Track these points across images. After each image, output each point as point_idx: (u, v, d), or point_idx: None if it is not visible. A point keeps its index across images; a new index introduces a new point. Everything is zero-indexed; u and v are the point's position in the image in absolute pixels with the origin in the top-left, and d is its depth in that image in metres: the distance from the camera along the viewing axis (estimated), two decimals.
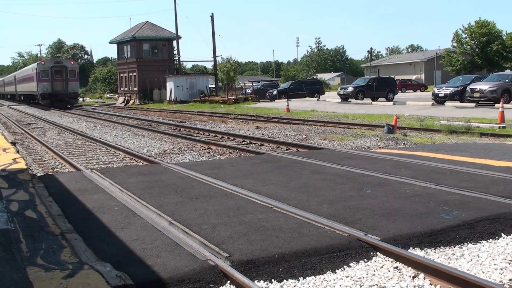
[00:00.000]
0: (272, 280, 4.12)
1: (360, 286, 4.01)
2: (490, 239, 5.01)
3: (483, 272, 4.23)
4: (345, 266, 4.37)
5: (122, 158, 12.29)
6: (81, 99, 69.28)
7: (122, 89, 61.26)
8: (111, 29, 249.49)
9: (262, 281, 4.09)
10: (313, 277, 4.20)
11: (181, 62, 58.78)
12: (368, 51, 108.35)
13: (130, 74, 58.21)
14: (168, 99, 49.51)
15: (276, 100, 41.42)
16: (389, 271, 4.26)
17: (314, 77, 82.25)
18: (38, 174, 9.53)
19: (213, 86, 54.62)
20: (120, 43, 60.44)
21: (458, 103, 27.52)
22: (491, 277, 4.13)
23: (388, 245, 4.59)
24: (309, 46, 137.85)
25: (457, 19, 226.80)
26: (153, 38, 56.65)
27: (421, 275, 4.15)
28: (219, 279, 4.03)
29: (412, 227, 5.09)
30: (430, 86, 59.42)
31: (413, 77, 72.65)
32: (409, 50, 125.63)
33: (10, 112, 38.01)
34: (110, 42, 62.64)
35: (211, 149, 13.22)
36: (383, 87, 37.54)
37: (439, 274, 4.03)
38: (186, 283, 3.94)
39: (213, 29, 52.25)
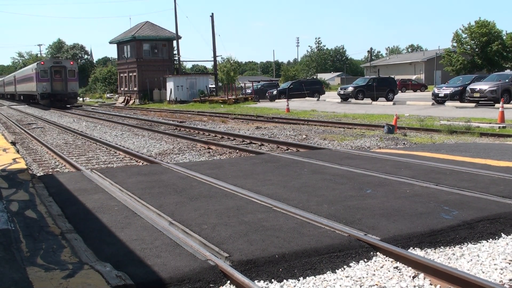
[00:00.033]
0: (272, 280, 4.12)
1: (360, 286, 4.01)
2: (490, 239, 5.01)
3: (483, 272, 4.23)
4: (345, 266, 4.37)
5: (122, 158, 12.29)
6: (81, 99, 69.39)
7: (122, 89, 61.26)
8: (111, 29, 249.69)
9: (262, 281, 4.09)
10: (313, 277, 4.20)
11: (181, 62, 58.80)
12: (368, 51, 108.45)
13: (130, 74, 58.22)
14: (168, 99, 49.51)
15: (276, 100, 41.42)
16: (389, 271, 4.26)
17: (314, 77, 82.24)
18: (38, 174, 9.53)
19: (213, 86, 54.62)
20: (120, 43, 60.44)
21: (458, 103, 27.52)
22: (491, 277, 4.13)
23: (388, 245, 4.59)
24: (309, 46, 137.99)
25: (457, 19, 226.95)
26: (153, 38, 56.66)
27: (421, 275, 4.15)
28: (219, 279, 4.03)
29: (412, 227, 5.09)
30: (430, 86, 59.43)
31: (413, 77, 72.65)
32: (409, 50, 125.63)
33: (10, 112, 38.02)
34: (110, 42, 62.65)
35: (211, 149, 13.22)
36: (383, 87, 37.54)
37: (439, 274, 4.03)
38: (186, 283, 3.94)
39: (213, 29, 52.31)
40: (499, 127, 16.17)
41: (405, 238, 4.83)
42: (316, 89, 44.94)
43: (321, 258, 4.42)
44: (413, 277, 4.13)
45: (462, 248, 4.78)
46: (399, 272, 4.23)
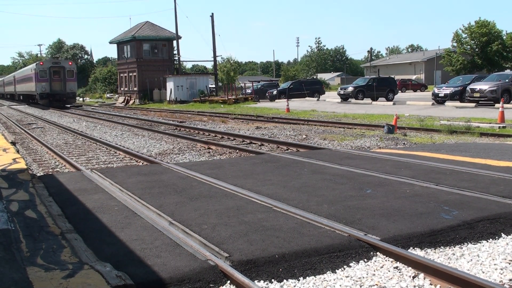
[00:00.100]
0: (272, 280, 4.12)
1: (360, 286, 4.01)
2: (490, 239, 5.01)
3: (483, 272, 4.23)
4: (345, 266, 4.37)
5: (122, 158, 12.29)
6: (81, 99, 69.53)
7: (122, 89, 61.27)
8: (111, 29, 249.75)
9: (262, 281, 4.09)
10: (313, 277, 4.20)
11: (181, 62, 58.79)
12: (368, 51, 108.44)
13: (130, 74, 58.22)
14: (168, 99, 49.52)
15: (276, 100, 41.42)
16: (389, 271, 4.26)
17: (314, 77, 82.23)
18: (38, 174, 9.53)
19: (213, 86, 54.62)
20: (120, 43, 60.45)
21: (458, 103, 27.52)
22: (491, 277, 4.13)
23: (388, 245, 4.59)
24: (309, 46, 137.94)
25: (457, 19, 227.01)
26: (153, 38, 56.66)
27: (421, 275, 4.15)
28: (219, 279, 4.03)
29: (412, 227, 5.09)
30: (430, 86, 59.43)
31: (413, 77, 72.66)
32: (409, 50, 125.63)
33: (10, 112, 38.02)
34: (110, 42, 62.65)
35: (211, 149, 13.22)
36: (383, 87, 37.54)
37: (439, 274, 4.03)
38: (186, 283, 3.94)
39: (213, 29, 52.32)
40: (499, 127, 16.17)
41: (405, 238, 4.83)
42: (316, 89, 44.94)
43: (321, 258, 4.42)
44: (413, 277, 4.13)
45: (462, 248, 4.78)
46: (399, 272, 4.23)
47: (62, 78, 45.28)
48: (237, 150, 12.45)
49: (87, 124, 24.40)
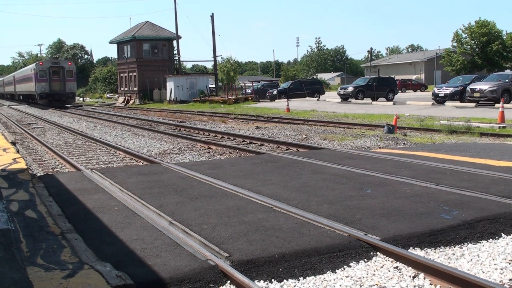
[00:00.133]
0: (272, 280, 4.12)
1: (360, 286, 4.01)
2: (490, 239, 5.01)
3: (483, 272, 4.23)
4: (345, 266, 4.37)
5: (122, 158, 12.29)
6: (81, 99, 69.59)
7: (122, 89, 61.28)
8: (111, 29, 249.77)
9: (262, 281, 4.09)
10: (313, 277, 4.20)
11: (181, 62, 58.79)
12: (368, 51, 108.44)
13: (130, 74, 58.22)
14: (168, 99, 49.52)
15: (276, 100, 41.42)
16: (389, 271, 4.27)
17: (314, 77, 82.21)
18: (38, 174, 9.53)
19: (213, 86, 54.63)
20: (120, 43, 60.46)
21: (458, 103, 27.52)
22: (491, 277, 4.13)
23: (388, 245, 4.59)
24: (309, 46, 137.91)
25: (457, 19, 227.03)
26: (153, 38, 56.68)
27: (421, 275, 4.15)
28: (219, 279, 4.03)
29: (412, 227, 5.09)
30: (430, 86, 59.43)
31: (413, 77, 72.66)
32: (409, 50, 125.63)
33: (10, 112, 38.03)
34: (110, 42, 62.67)
35: (211, 149, 13.22)
36: (383, 87, 37.55)
37: (439, 274, 4.03)
38: (186, 283, 3.94)
39: (213, 29, 52.32)
40: (499, 127, 16.17)
41: (405, 238, 4.83)
42: (316, 89, 44.94)
43: (321, 258, 4.42)
44: (413, 277, 4.13)
45: (462, 248, 4.78)
46: (399, 272, 4.23)
47: (62, 78, 45.55)
48: (237, 150, 12.45)
49: (87, 124, 24.40)
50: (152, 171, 8.85)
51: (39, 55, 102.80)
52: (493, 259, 4.49)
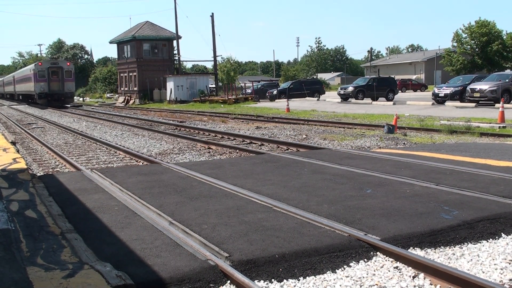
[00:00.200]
0: (272, 280, 4.12)
1: (360, 286, 4.01)
2: (490, 239, 5.01)
3: (483, 272, 4.23)
4: (345, 266, 4.37)
5: (122, 158, 12.30)
6: (81, 99, 69.63)
7: (122, 89, 61.28)
8: (111, 29, 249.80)
9: (262, 281, 4.09)
10: (313, 277, 4.20)
11: (181, 62, 58.80)
12: (368, 51, 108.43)
13: (130, 74, 58.22)
14: (168, 99, 49.53)
15: (276, 100, 41.43)
16: (389, 271, 4.27)
17: (314, 77, 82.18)
18: (38, 174, 9.53)
19: (213, 86, 54.63)
20: (120, 43, 60.46)
21: (458, 103, 27.52)
22: (491, 277, 4.13)
23: (388, 245, 4.59)
24: (309, 46, 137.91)
25: (457, 19, 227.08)
26: (153, 38, 56.69)
27: (421, 275, 4.15)
28: (219, 279, 4.03)
29: (412, 227, 5.09)
30: (430, 86, 59.42)
31: (413, 77, 72.65)
32: (409, 50, 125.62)
33: (10, 112, 38.04)
34: (110, 42, 62.67)
35: (211, 149, 13.22)
36: (383, 87, 37.54)
37: (439, 274, 4.03)
38: (186, 283, 3.94)
39: (213, 29, 52.32)
40: (499, 127, 16.17)
41: (405, 238, 4.83)
42: (316, 89, 44.95)
43: (321, 258, 4.42)
44: (413, 277, 4.13)
45: (462, 248, 4.78)
46: (399, 272, 4.23)
47: (60, 78, 46.02)
48: (237, 150, 12.45)
49: (87, 124, 24.40)
50: (152, 171, 8.85)
51: (39, 55, 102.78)
52: (493, 259, 4.49)
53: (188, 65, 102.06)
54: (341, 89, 38.63)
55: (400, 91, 48.39)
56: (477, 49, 56.39)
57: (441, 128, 16.02)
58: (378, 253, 4.58)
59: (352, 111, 26.41)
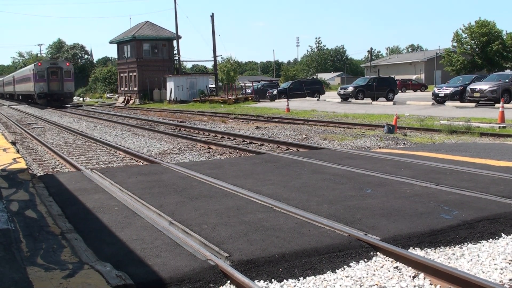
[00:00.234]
0: (272, 280, 4.12)
1: (360, 286, 4.01)
2: (490, 239, 5.01)
3: (483, 272, 4.23)
4: (345, 266, 4.37)
5: (122, 158, 12.30)
6: (81, 99, 69.64)
7: (122, 89, 61.28)
8: (111, 29, 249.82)
9: (262, 281, 4.09)
10: (313, 277, 4.20)
11: (181, 62, 58.80)
12: (368, 51, 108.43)
13: (130, 74, 58.22)
14: (168, 99, 49.52)
15: (276, 100, 41.43)
16: (389, 271, 4.27)
17: (314, 77, 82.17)
18: (38, 174, 9.53)
19: (213, 86, 54.63)
20: (120, 43, 60.46)
21: (458, 103, 27.52)
22: (491, 277, 4.13)
23: (388, 245, 4.59)
24: (309, 46, 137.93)
25: (457, 19, 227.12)
26: (153, 38, 56.69)
27: (421, 275, 4.15)
28: (219, 279, 4.03)
29: (412, 227, 5.09)
30: (430, 86, 59.42)
31: (413, 77, 72.64)
32: (409, 50, 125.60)
33: (10, 112, 38.04)
34: (110, 42, 62.67)
35: (211, 149, 13.22)
36: (383, 87, 37.55)
37: (439, 274, 4.03)
38: (186, 283, 3.94)
39: (213, 29, 52.32)
40: (499, 127, 16.17)
41: (405, 238, 4.83)
42: (316, 89, 44.94)
43: (321, 258, 4.42)
44: (413, 277, 4.13)
45: (462, 248, 4.78)
46: (399, 272, 4.23)
47: (60, 78, 46.36)
48: (237, 150, 12.45)
49: (87, 124, 24.41)
50: (152, 171, 8.85)
51: (39, 55, 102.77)
52: (493, 259, 4.49)
53: (188, 65, 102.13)
54: (341, 89, 38.63)
55: (400, 91, 48.39)
56: (477, 49, 56.39)
57: (441, 128, 16.02)
58: (378, 253, 4.58)
59: (352, 111, 26.41)
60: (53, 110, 39.25)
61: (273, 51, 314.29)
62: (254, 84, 51.70)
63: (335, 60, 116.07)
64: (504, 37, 57.30)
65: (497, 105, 22.70)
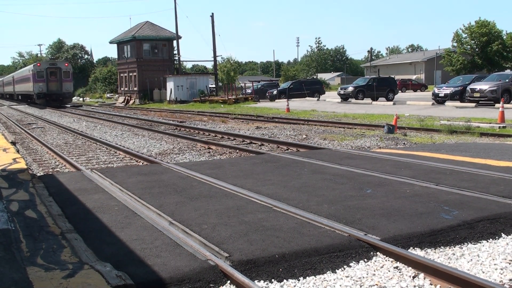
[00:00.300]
0: (272, 280, 4.12)
1: (360, 286, 4.01)
2: (490, 239, 5.01)
3: (483, 272, 4.23)
4: (345, 266, 4.37)
5: (122, 158, 12.30)
6: (81, 99, 69.67)
7: (122, 89, 61.28)
8: (111, 29, 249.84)
9: (262, 281, 4.09)
10: (313, 277, 4.20)
11: (181, 62, 58.80)
12: (368, 51, 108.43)
13: (130, 74, 58.23)
14: (168, 99, 49.53)
15: (276, 100, 41.43)
16: (389, 271, 4.27)
17: (314, 77, 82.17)
18: (38, 174, 9.53)
19: (213, 86, 54.63)
20: (120, 43, 60.47)
21: (458, 103, 27.52)
22: (491, 277, 4.13)
23: (388, 245, 4.59)
24: (309, 46, 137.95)
25: (457, 19, 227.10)
26: (153, 38, 56.70)
27: (421, 275, 4.15)
28: (219, 279, 4.03)
29: (412, 227, 5.09)
30: (430, 86, 59.42)
31: (413, 77, 72.64)
32: (409, 50, 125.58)
33: (10, 112, 38.04)
34: (110, 42, 62.68)
35: (211, 149, 13.22)
36: (383, 87, 37.55)
37: (439, 274, 4.03)
38: (186, 283, 3.94)
39: (213, 29, 52.31)
40: (499, 127, 16.17)
41: (405, 238, 4.83)
42: (316, 89, 44.94)
43: (321, 258, 4.42)
44: (413, 277, 4.13)
45: (462, 248, 4.78)
46: (399, 272, 4.23)
47: (59, 78, 46.79)
48: (237, 150, 12.45)
49: (87, 124, 24.41)
50: (152, 171, 8.85)
51: (39, 55, 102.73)
52: (493, 259, 4.49)
53: (188, 65, 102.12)
54: (341, 89, 38.63)
55: (400, 91, 48.39)
56: (477, 49, 56.38)
57: (441, 128, 16.02)
58: (378, 253, 4.58)
59: (352, 111, 26.41)
60: (52, 110, 39.26)
61: (273, 51, 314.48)
62: (254, 84, 51.69)
63: (335, 60, 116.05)
64: (504, 37, 57.28)
65: (497, 105, 22.70)
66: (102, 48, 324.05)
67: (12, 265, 4.08)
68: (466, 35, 57.06)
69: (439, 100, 29.26)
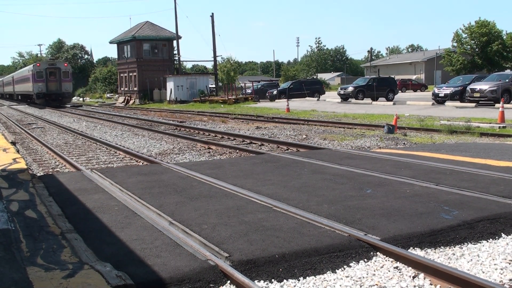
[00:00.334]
0: (272, 280, 4.12)
1: (360, 286, 4.01)
2: (490, 239, 5.01)
3: (483, 272, 4.23)
4: (345, 266, 4.37)
5: (122, 158, 12.30)
6: (81, 99, 69.71)
7: (122, 89, 61.28)
8: (111, 29, 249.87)
9: (262, 281, 4.09)
10: (313, 277, 4.20)
11: (181, 62, 58.79)
12: (368, 51, 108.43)
13: (130, 74, 58.23)
14: (168, 99, 49.53)
15: (276, 100, 41.43)
16: (389, 271, 4.27)
17: (314, 77, 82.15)
18: (38, 174, 9.53)
19: (213, 86, 54.63)
20: (120, 43, 60.47)
21: (458, 103, 27.52)
22: (491, 277, 4.13)
23: (388, 245, 4.59)
24: (309, 46, 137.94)
25: (457, 19, 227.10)
26: (153, 38, 56.71)
27: (421, 275, 4.15)
28: (219, 279, 4.03)
29: (412, 227, 5.09)
30: (430, 86, 59.41)
31: (413, 77, 72.63)
32: (409, 50, 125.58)
33: (10, 112, 38.04)
34: (110, 42, 62.69)
35: (211, 149, 13.22)
36: (383, 87, 37.54)
37: (439, 274, 4.03)
38: (186, 283, 3.94)
39: (213, 29, 52.31)
40: (499, 127, 16.17)
41: (405, 238, 4.83)
42: (316, 89, 44.93)
43: (321, 258, 4.42)
44: (413, 277, 4.13)
45: (462, 248, 4.78)
46: (399, 272, 4.23)
47: (58, 78, 47.07)
48: (237, 150, 12.45)
49: (87, 124, 24.41)
50: (152, 171, 8.85)
51: (39, 55, 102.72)
52: (493, 259, 4.49)
53: (188, 65, 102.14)
54: (341, 89, 38.62)
55: (400, 91, 48.39)
56: (477, 49, 56.38)
57: (441, 128, 16.02)
58: (378, 253, 4.58)
59: (352, 111, 26.41)
60: (52, 110, 39.27)
61: (273, 51, 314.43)
62: (254, 84, 51.69)
63: (335, 60, 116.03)
64: (504, 37, 57.28)
65: (497, 105, 22.70)
66: (102, 48, 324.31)
67: (12, 265, 4.08)
68: (466, 35, 57.06)
69: (439, 100, 29.26)
